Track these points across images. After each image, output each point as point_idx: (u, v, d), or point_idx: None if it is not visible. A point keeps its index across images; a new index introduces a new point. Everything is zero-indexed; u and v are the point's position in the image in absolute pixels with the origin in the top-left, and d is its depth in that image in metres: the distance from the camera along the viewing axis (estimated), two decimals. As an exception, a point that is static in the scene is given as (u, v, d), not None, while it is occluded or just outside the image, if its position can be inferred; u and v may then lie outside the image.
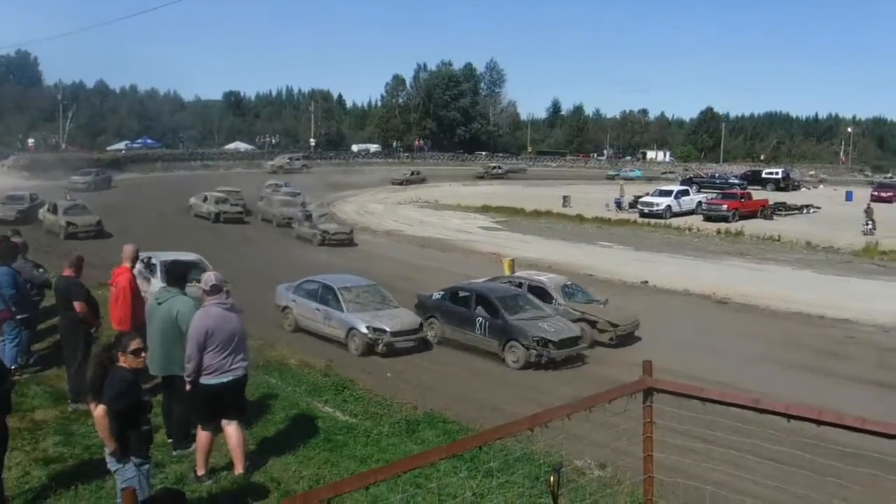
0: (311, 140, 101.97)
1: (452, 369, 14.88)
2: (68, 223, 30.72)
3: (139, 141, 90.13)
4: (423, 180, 69.78)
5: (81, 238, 29.38)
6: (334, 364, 12.87)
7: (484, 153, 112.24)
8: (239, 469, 7.12)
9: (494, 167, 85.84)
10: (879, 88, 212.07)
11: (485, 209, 47.39)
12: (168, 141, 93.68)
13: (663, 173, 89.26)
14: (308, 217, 34.93)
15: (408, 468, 3.46)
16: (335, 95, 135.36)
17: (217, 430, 7.10)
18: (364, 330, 15.31)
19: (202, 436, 7.06)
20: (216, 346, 6.90)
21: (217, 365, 6.93)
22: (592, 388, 10.39)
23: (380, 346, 15.18)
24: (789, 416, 3.61)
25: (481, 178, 78.82)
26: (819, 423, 3.48)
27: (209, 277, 7.29)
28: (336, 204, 50.41)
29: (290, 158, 77.86)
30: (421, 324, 16.45)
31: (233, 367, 7.04)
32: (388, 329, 15.35)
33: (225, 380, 6.99)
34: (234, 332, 7.06)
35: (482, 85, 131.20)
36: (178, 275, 8.41)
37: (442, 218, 43.40)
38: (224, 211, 38.94)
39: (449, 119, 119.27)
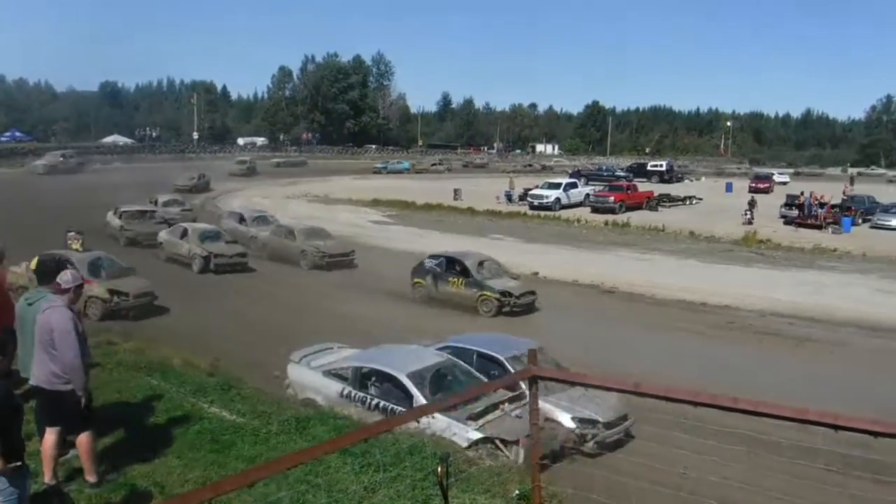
0: (195, 133, 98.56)
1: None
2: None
3: (7, 134, 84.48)
4: (207, 186, 54.36)
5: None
6: (221, 363, 12.46)
7: (374, 146, 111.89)
8: (90, 478, 6.77)
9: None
10: (756, 84, 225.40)
11: (375, 203, 47.20)
12: (39, 134, 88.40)
13: (526, 166, 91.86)
14: (290, 234, 27.06)
15: (292, 464, 3.37)
16: (219, 87, 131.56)
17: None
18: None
19: (84, 440, 6.70)
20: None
21: None
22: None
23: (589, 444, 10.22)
24: (668, 399, 3.74)
25: (378, 172, 78.36)
26: (726, 409, 3.59)
27: (72, 277, 6.83)
28: (220, 199, 48.91)
29: (64, 156, 63.03)
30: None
31: None
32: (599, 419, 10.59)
33: None
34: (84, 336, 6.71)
35: (371, 78, 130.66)
36: (48, 272, 7.88)
37: (332, 212, 42.83)
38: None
39: (337, 112, 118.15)
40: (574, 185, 48.57)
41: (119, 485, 6.80)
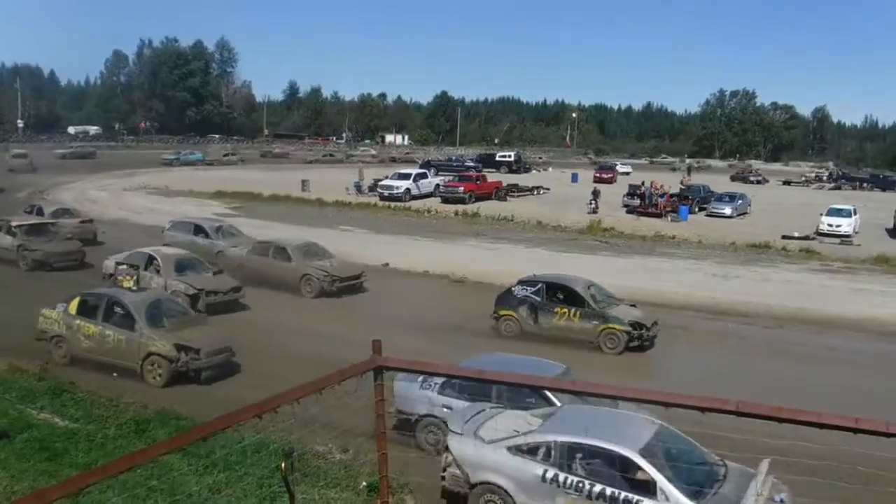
0: (19, 121, 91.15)
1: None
2: None
3: None
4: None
5: None
6: (51, 367, 11.68)
7: (217, 136, 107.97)
8: None
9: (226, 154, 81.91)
10: (600, 76, 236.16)
11: (219, 195, 45.47)
12: None
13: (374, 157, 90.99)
14: (281, 253, 21.84)
15: (127, 466, 3.19)
16: (46, 72, 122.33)
17: None
18: None
19: None
20: None
21: None
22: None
23: None
24: (505, 383, 3.89)
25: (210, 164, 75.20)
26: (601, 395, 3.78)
27: None
28: (51, 191, 45.49)
29: None
30: None
31: None
32: None
33: None
34: None
35: (213, 64, 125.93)
36: None
37: (173, 205, 40.91)
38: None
39: (178, 100, 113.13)
40: (424, 176, 48.90)
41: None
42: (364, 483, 7.14)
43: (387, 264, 25.90)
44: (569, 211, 40.17)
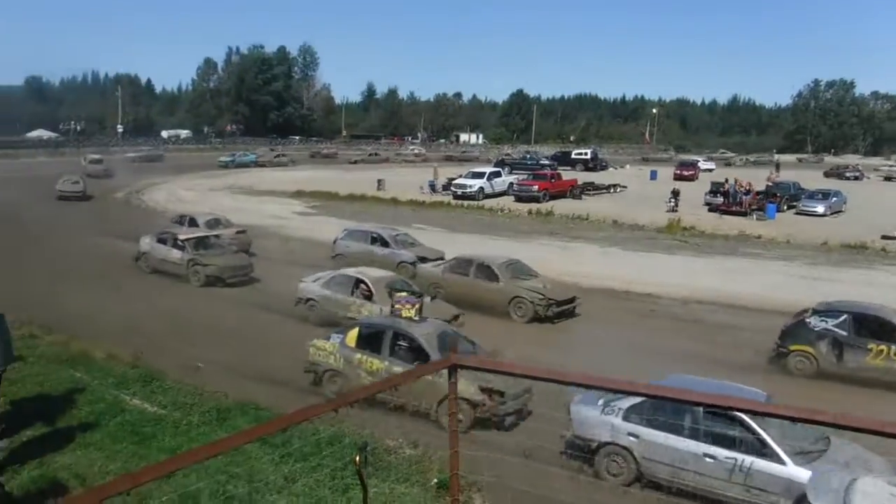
0: (119, 126, 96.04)
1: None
2: None
3: None
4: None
5: None
6: (143, 356, 12.31)
7: (297, 137, 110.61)
8: None
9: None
10: (682, 70, 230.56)
11: (299, 194, 46.74)
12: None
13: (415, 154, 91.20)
14: (484, 270, 19.26)
15: (210, 454, 3.40)
16: (143, 80, 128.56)
17: None
18: None
19: None
20: None
21: None
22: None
23: None
24: (588, 387, 3.95)
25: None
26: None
27: None
28: (146, 191, 47.64)
29: None
30: None
31: None
32: None
33: None
34: None
35: (295, 69, 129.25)
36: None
37: (256, 204, 42.26)
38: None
39: (262, 103, 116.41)
40: (498, 175, 48.88)
41: (39, 477, 6.75)
42: (434, 480, 7.30)
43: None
44: (647, 209, 39.34)
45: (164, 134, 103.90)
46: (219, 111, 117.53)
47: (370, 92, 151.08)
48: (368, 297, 16.47)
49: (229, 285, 20.80)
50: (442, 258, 22.50)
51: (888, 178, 71.27)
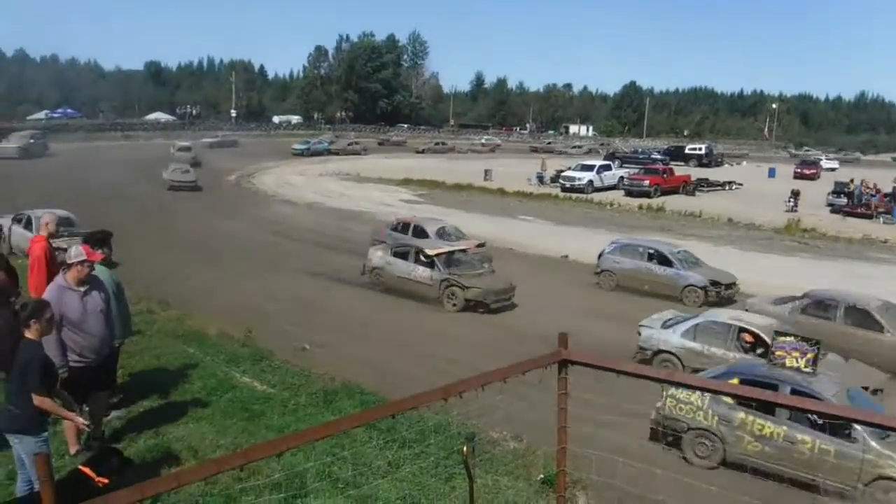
0: (232, 111, 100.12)
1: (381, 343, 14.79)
2: None
3: (59, 111, 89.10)
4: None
5: None
6: (253, 335, 12.67)
7: (406, 126, 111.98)
8: (72, 450, 6.73)
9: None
10: (806, 65, 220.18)
11: (406, 182, 47.33)
12: (87, 111, 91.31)
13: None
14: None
15: (320, 436, 3.42)
16: (257, 66, 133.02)
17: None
18: None
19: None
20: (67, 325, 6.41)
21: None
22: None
23: None
24: (707, 391, 3.71)
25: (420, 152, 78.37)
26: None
27: (75, 252, 6.57)
28: (256, 175, 49.43)
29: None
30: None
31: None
32: None
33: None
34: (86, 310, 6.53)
35: (405, 57, 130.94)
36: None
37: (363, 190, 43.10)
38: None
39: (371, 91, 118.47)
40: (608, 168, 48.07)
41: (154, 447, 7.01)
42: (540, 475, 7.13)
43: (566, 256, 25.67)
44: (764, 208, 37.78)
45: (276, 119, 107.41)
46: (328, 98, 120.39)
47: (479, 81, 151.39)
48: (750, 349, 12.79)
49: (492, 311, 17.55)
50: (734, 283, 19.82)
51: None
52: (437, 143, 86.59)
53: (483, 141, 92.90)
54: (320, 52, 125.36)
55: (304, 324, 15.01)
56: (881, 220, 36.01)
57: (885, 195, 39.25)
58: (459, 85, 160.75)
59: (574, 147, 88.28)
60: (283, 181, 46.93)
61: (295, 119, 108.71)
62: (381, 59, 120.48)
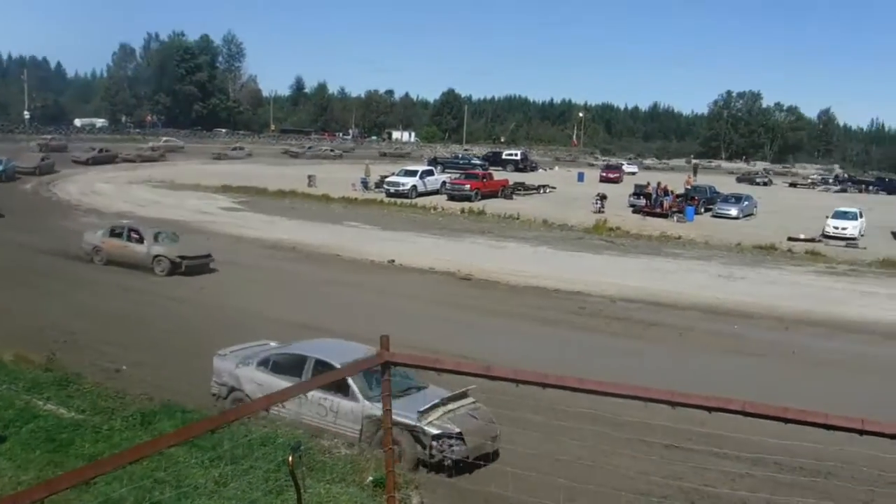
0: (26, 113, 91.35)
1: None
2: None
3: None
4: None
5: None
6: (58, 358, 11.69)
7: (224, 130, 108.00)
8: None
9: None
10: (607, 76, 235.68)
11: (225, 189, 45.60)
12: None
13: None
14: None
15: (133, 458, 3.18)
16: (52, 63, 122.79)
17: None
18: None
19: None
20: None
21: None
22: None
23: None
24: (517, 381, 3.85)
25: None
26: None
27: None
28: (57, 183, 45.63)
29: None
30: None
31: None
32: None
33: None
34: None
35: (220, 59, 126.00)
36: None
37: (179, 198, 41.04)
38: None
39: (184, 94, 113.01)
40: (430, 173, 48.91)
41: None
42: (370, 478, 7.12)
43: (392, 261, 25.87)
44: (575, 210, 40.08)
45: (78, 123, 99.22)
46: (137, 100, 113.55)
47: (299, 86, 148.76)
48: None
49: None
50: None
51: (793, 185, 76.30)
52: (234, 149, 78.36)
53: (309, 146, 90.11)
54: (126, 50, 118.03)
55: (120, 342, 14.07)
56: (675, 218, 39.29)
57: (678, 196, 42.98)
58: (279, 89, 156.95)
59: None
60: (89, 189, 43.63)
61: (100, 122, 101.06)
62: (195, 60, 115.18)
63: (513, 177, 55.28)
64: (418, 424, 9.42)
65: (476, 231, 34.09)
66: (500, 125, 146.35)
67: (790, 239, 33.02)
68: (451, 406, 9.87)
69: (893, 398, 12.26)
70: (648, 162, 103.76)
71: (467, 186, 44.52)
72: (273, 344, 12.27)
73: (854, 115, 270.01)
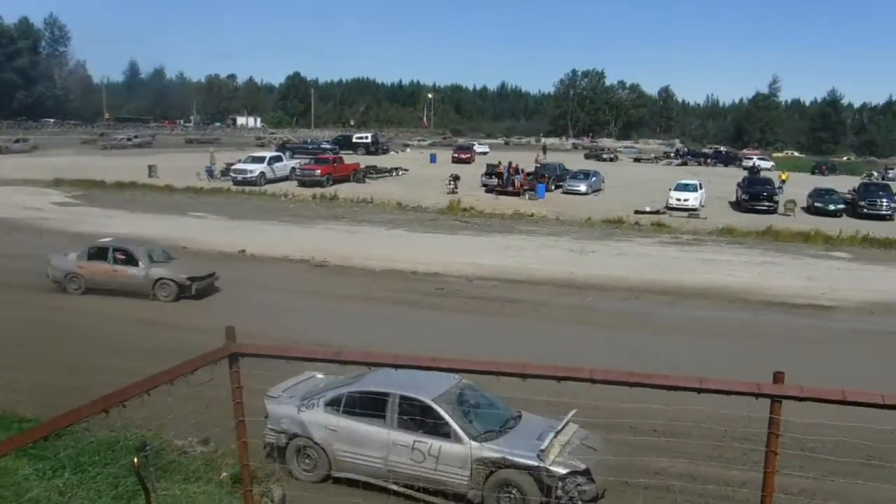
0: None
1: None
2: None
3: None
4: None
5: None
6: None
7: (52, 120, 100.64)
8: None
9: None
10: (455, 57, 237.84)
11: (58, 183, 42.46)
12: None
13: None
14: None
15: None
16: None
17: None
18: None
19: None
20: None
21: None
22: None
23: None
24: (369, 364, 3.84)
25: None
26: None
27: None
28: None
29: None
30: None
31: None
32: None
33: None
34: None
35: (42, 43, 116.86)
36: None
37: (3, 195, 37.82)
38: None
39: (4, 81, 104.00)
40: (279, 159, 47.82)
41: None
42: (225, 473, 6.90)
43: (243, 251, 25.11)
44: (428, 191, 40.46)
45: None
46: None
47: (133, 71, 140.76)
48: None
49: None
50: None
51: (637, 160, 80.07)
52: (16, 142, 70.81)
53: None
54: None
55: None
56: (527, 196, 40.50)
57: (528, 174, 44.30)
58: (112, 76, 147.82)
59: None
60: None
61: None
62: (15, 45, 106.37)
63: (364, 160, 55.11)
64: (542, 465, 8.05)
65: (329, 217, 33.68)
66: (350, 108, 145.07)
67: (637, 212, 34.81)
68: (562, 438, 8.51)
69: (736, 358, 13.16)
70: (498, 141, 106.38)
71: (318, 172, 43.86)
72: (320, 376, 10.35)
73: (691, 92, 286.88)
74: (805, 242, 29.37)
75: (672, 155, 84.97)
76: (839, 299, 20.37)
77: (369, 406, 8.90)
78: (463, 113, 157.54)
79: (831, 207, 37.33)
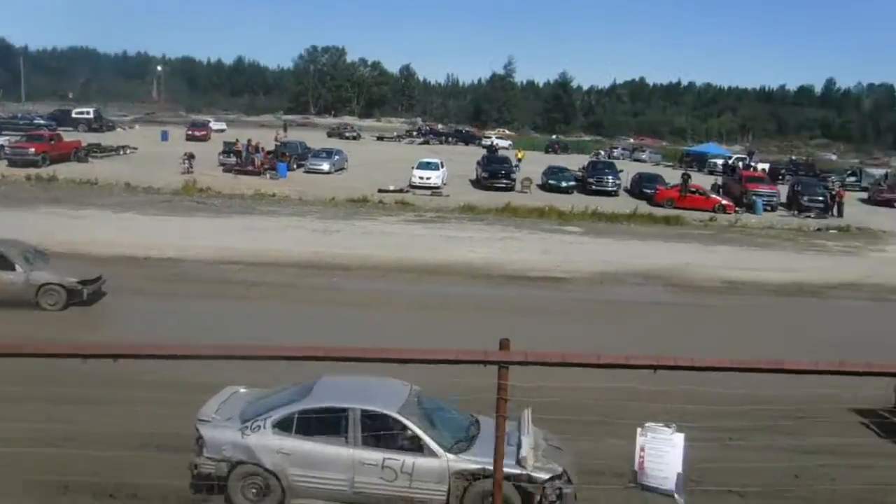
0: None
1: None
2: None
3: None
4: None
5: None
6: None
7: None
8: None
9: None
10: (186, 28, 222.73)
11: None
12: None
13: None
14: None
15: None
16: None
17: None
18: None
19: None
20: None
21: None
22: None
23: None
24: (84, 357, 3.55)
25: None
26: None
27: None
28: None
29: None
30: None
31: None
32: None
33: None
34: None
35: None
36: None
37: None
38: None
39: None
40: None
41: None
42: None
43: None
44: (161, 171, 38.09)
45: None
46: None
47: None
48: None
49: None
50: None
51: (380, 138, 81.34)
52: None
53: None
54: None
55: None
56: (268, 175, 39.69)
57: (269, 153, 43.31)
58: None
59: None
60: None
61: None
62: None
63: (87, 138, 50.61)
64: (524, 472, 7.67)
65: (47, 200, 30.39)
66: (68, 80, 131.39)
67: (380, 191, 35.48)
68: (531, 440, 7.92)
69: (476, 331, 13.79)
70: (234, 117, 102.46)
71: (32, 150, 39.63)
72: (243, 390, 9.10)
73: (432, 71, 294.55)
74: (541, 218, 31.80)
75: (414, 133, 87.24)
76: (572, 271, 22.45)
77: (326, 424, 8.13)
78: (196, 88, 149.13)
79: (563, 184, 40.62)
